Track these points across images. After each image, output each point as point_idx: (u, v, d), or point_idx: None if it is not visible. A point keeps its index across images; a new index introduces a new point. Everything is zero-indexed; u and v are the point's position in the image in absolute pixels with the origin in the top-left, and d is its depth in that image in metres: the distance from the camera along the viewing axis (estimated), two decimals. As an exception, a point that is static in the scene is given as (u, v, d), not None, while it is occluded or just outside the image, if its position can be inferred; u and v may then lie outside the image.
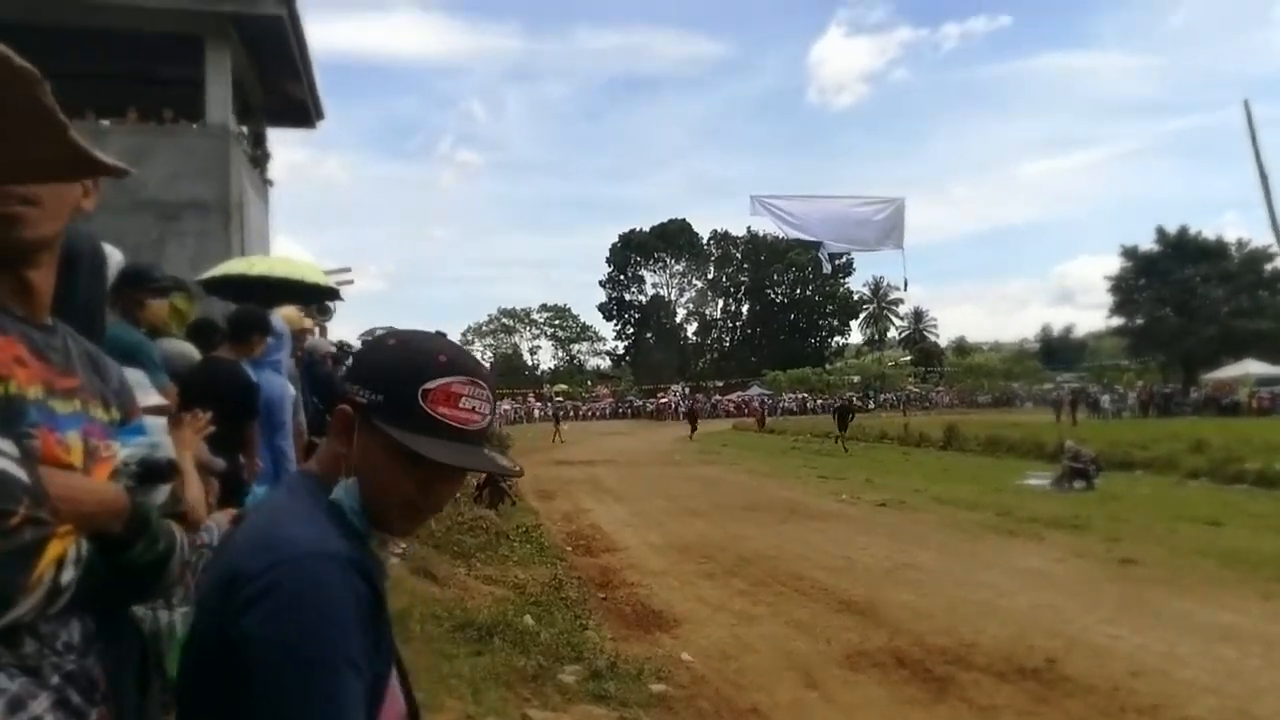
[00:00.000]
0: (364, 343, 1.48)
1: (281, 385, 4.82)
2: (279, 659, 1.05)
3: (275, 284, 6.80)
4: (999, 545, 10.38)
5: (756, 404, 55.94)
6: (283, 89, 15.51)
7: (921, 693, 5.57)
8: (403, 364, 1.20)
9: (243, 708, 1.06)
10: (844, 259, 72.16)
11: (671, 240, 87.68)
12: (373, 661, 1.13)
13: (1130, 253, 57.33)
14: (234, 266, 7.66)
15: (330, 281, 8.09)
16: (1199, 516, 11.87)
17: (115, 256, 4.38)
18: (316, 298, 7.29)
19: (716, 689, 5.71)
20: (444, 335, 1.48)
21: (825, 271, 77.43)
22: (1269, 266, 49.65)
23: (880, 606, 7.58)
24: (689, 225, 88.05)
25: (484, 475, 13.22)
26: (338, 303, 9.04)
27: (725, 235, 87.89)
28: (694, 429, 36.75)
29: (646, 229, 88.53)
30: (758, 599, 8.07)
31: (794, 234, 14.03)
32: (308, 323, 5.61)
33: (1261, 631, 6.57)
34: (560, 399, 60.19)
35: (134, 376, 3.23)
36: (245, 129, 15.02)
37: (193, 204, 12.20)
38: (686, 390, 68.69)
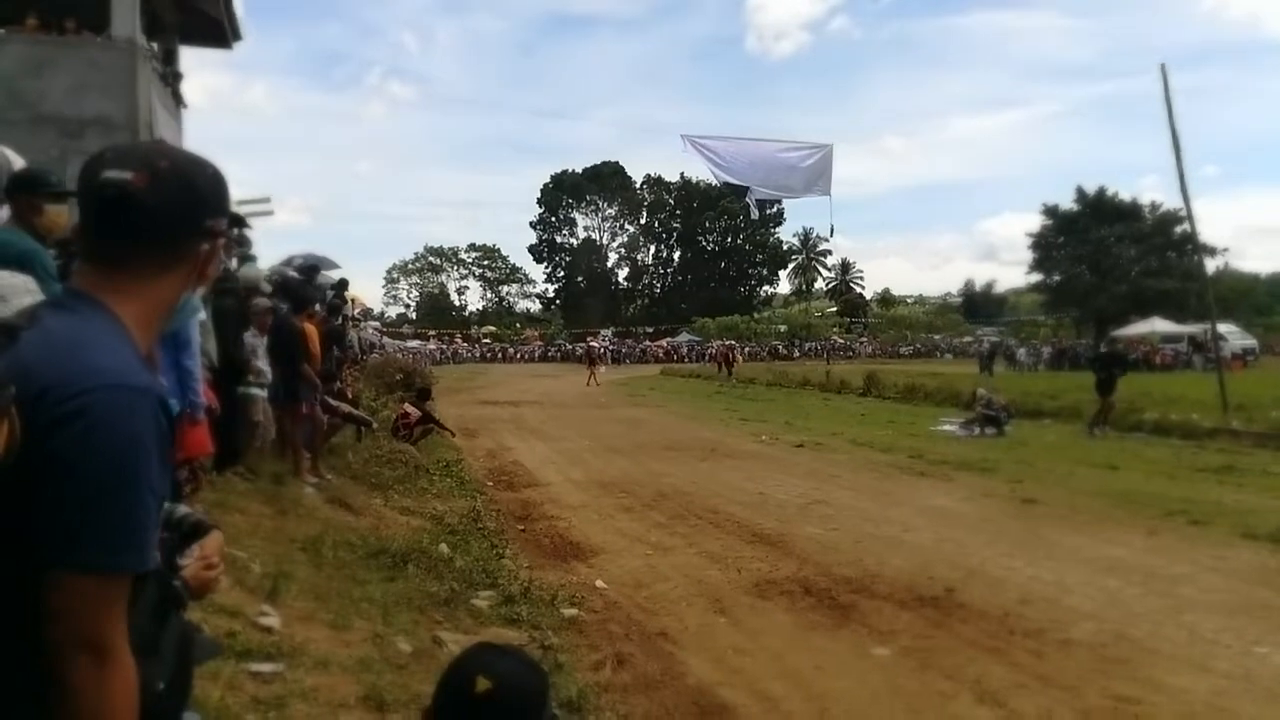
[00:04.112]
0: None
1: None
2: (86, 478, 1.12)
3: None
4: (909, 485, 10.73)
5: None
6: (197, 5, 14.79)
7: (825, 619, 5.77)
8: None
9: (42, 523, 1.11)
10: (774, 208, 72.70)
11: (604, 183, 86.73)
12: (162, 487, 1.22)
13: (1051, 211, 58.81)
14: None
15: (237, 209, 7.83)
16: (1098, 462, 12.42)
17: (17, 162, 4.18)
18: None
19: (628, 614, 5.83)
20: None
21: (753, 218, 78.03)
22: (1179, 229, 51.39)
23: (791, 539, 7.80)
24: (622, 168, 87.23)
25: (418, 413, 12.97)
26: (252, 233, 8.74)
27: (659, 180, 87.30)
28: (724, 370, 35.48)
29: (579, 170, 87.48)
30: (673, 531, 8.23)
31: (723, 177, 14.01)
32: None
33: (1143, 564, 6.96)
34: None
35: (20, 282, 3.10)
36: (155, 45, 14.29)
37: (98, 121, 11.60)
38: (613, 335, 68.57)
